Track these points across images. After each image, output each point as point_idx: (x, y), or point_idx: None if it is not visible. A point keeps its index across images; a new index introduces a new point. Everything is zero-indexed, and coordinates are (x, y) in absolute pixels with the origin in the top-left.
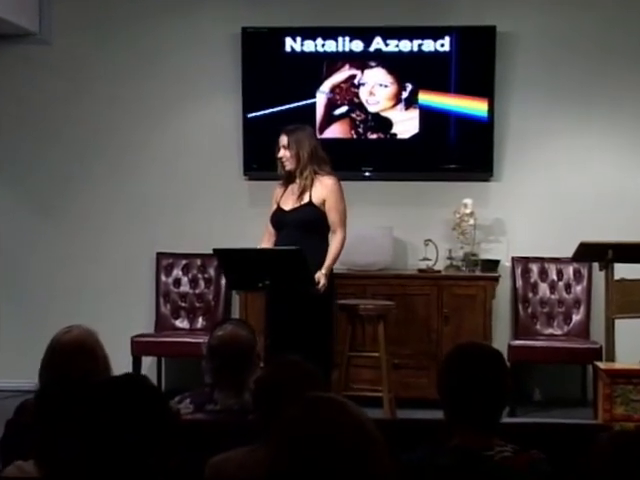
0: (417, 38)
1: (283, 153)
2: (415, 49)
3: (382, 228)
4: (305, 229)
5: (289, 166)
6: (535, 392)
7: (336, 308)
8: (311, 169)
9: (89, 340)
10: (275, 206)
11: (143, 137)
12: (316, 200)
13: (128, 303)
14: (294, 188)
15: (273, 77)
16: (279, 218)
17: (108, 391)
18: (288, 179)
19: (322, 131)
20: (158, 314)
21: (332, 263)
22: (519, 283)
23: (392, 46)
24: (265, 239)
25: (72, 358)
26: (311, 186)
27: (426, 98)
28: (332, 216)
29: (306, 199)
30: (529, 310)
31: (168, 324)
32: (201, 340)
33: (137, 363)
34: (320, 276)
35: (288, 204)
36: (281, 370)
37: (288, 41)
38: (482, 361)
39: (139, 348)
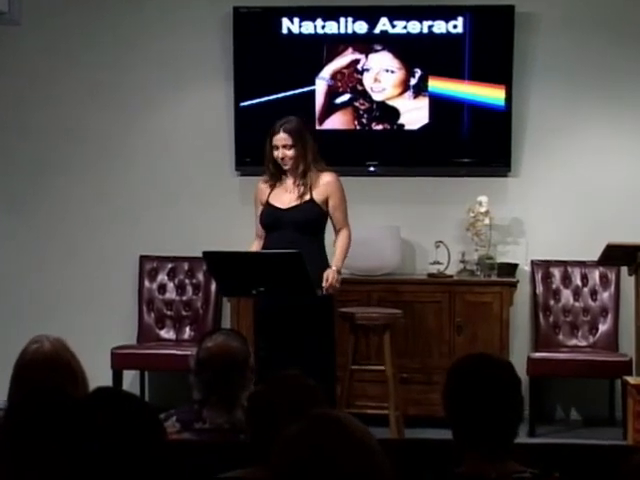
0: (427, 19)
1: (284, 153)
2: (425, 31)
3: (388, 229)
4: (304, 229)
5: (290, 166)
6: (557, 410)
7: (337, 316)
8: (312, 167)
9: (63, 353)
10: (261, 205)
11: (124, 128)
12: (318, 198)
13: (107, 311)
14: (288, 185)
15: (268, 62)
16: (274, 217)
17: (88, 409)
18: (274, 176)
19: (322, 122)
20: (141, 323)
21: (343, 259)
22: (539, 289)
23: (399, 28)
24: (256, 245)
25: (44, 374)
26: (313, 184)
27: (437, 85)
28: (337, 214)
29: (307, 196)
30: (550, 319)
31: (152, 334)
32: (188, 352)
33: (118, 378)
34: (330, 273)
35: (283, 201)
36: (278, 385)
37: (285, 22)
38: (489, 373)
39: (120, 361)
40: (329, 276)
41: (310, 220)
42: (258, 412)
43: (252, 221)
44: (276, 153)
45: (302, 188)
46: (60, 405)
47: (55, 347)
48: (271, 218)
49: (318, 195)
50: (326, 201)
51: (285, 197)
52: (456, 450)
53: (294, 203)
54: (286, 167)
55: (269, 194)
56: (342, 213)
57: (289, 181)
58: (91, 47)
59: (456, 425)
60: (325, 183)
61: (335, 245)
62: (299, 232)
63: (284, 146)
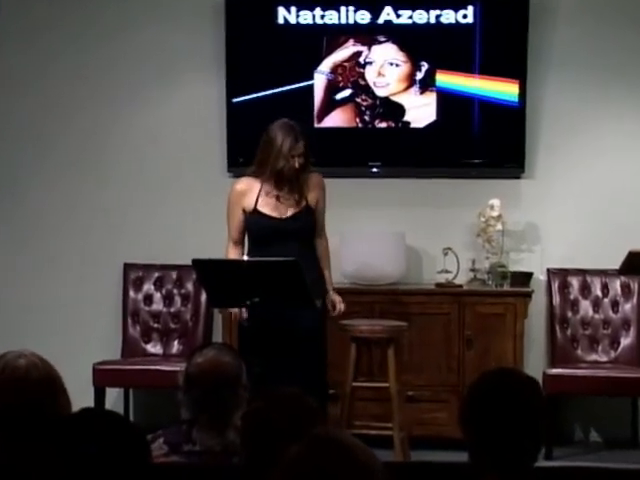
0: (435, 8)
1: (300, 162)
2: (432, 21)
3: (392, 235)
4: (305, 239)
5: (299, 172)
6: (576, 431)
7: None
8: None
9: (43, 369)
10: (243, 211)
11: (107, 126)
12: (312, 203)
13: (88, 324)
14: (278, 190)
15: (263, 55)
16: (270, 228)
17: (72, 432)
18: (270, 175)
19: (321, 119)
20: (125, 337)
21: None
22: (556, 300)
23: (405, 17)
24: (234, 252)
25: (20, 393)
26: (306, 188)
27: (445, 79)
28: (321, 218)
29: (302, 203)
30: (568, 332)
31: (137, 349)
32: (177, 368)
33: (100, 396)
34: (336, 299)
35: (279, 210)
36: (275, 403)
37: (281, 11)
38: (514, 392)
39: (102, 378)
40: (336, 303)
41: (310, 228)
42: (253, 433)
43: None
44: (293, 162)
45: (298, 194)
46: (40, 427)
47: (33, 364)
48: (267, 229)
49: (312, 199)
50: (316, 204)
51: (280, 205)
52: (473, 473)
53: (292, 212)
54: (295, 173)
55: (256, 201)
56: (323, 217)
57: (285, 187)
58: (72, 40)
59: (475, 446)
60: (314, 185)
61: (319, 255)
62: (300, 242)
63: (299, 155)
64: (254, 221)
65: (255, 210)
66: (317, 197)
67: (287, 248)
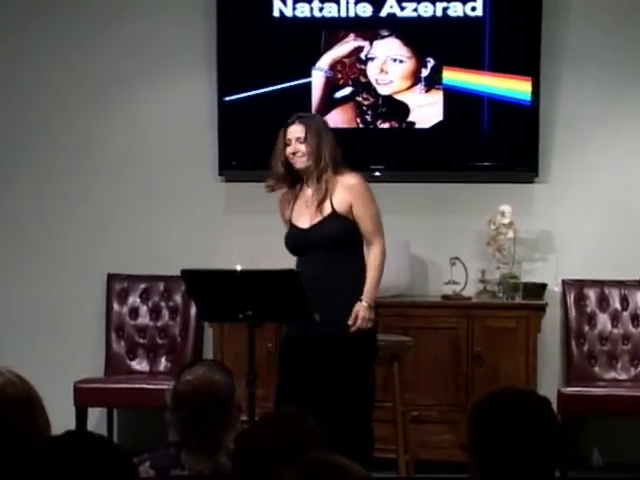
0: (441, 0)
1: (296, 147)
2: (439, 14)
3: (396, 243)
4: (334, 249)
5: (302, 164)
6: (593, 454)
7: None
8: (331, 170)
9: (21, 388)
10: (285, 223)
11: (89, 126)
12: (340, 208)
13: (70, 339)
14: (307, 197)
15: (257, 50)
16: (297, 240)
17: (55, 456)
18: (283, 181)
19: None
20: (109, 353)
21: (376, 287)
22: (572, 313)
23: (409, 10)
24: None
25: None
26: (331, 191)
27: (452, 77)
28: (364, 224)
29: (327, 209)
30: (585, 348)
31: (122, 366)
32: (164, 386)
33: (82, 416)
34: (361, 309)
35: (304, 220)
36: (270, 424)
37: (276, 3)
38: (525, 413)
39: (84, 397)
40: (358, 313)
41: (337, 237)
42: (247, 456)
43: (239, 233)
44: (288, 149)
45: (320, 199)
46: (17, 452)
47: (10, 383)
48: (294, 241)
49: (340, 204)
50: (351, 209)
51: (305, 214)
52: None
53: (315, 220)
54: (297, 166)
55: (292, 211)
56: (369, 223)
57: (308, 192)
58: (54, 33)
59: (483, 472)
60: (346, 188)
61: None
62: (329, 253)
63: (297, 139)
64: (287, 233)
65: (290, 221)
66: (348, 201)
67: (313, 260)
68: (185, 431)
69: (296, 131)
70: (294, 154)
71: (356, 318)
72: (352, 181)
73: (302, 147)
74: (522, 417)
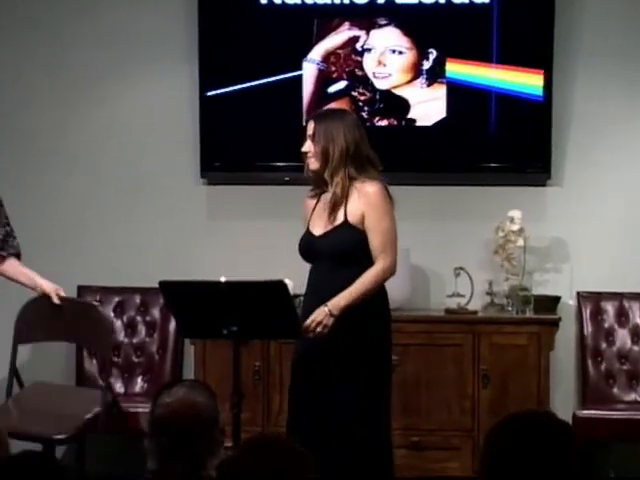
0: None
1: (309, 147)
2: (442, 1)
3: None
4: (343, 260)
5: (312, 166)
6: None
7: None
8: (344, 174)
9: None
10: (306, 228)
11: (59, 124)
12: (353, 218)
13: (38, 356)
14: (325, 201)
15: (242, 41)
16: (308, 246)
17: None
18: (317, 184)
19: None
20: (80, 372)
21: (351, 300)
22: (588, 329)
23: None
24: None
25: None
26: (347, 198)
27: (457, 70)
28: (372, 238)
29: (340, 218)
30: (602, 367)
31: (94, 386)
32: (140, 409)
33: (49, 441)
34: (320, 312)
35: (319, 226)
36: (256, 450)
37: None
38: (545, 439)
39: None
40: (316, 319)
41: (346, 249)
42: None
43: (222, 241)
44: (303, 147)
45: (332, 206)
46: None
47: None
48: (305, 248)
49: (353, 213)
50: (363, 219)
51: (320, 220)
52: None
53: (327, 227)
54: (310, 168)
55: (311, 215)
56: (379, 237)
57: (328, 196)
58: (22, 24)
59: None
60: (362, 196)
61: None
62: (337, 264)
63: (309, 137)
64: (301, 237)
65: (307, 224)
66: (361, 210)
67: (321, 269)
68: (164, 459)
69: (309, 129)
70: (306, 154)
71: (313, 319)
72: (369, 189)
73: (312, 147)
74: (541, 443)
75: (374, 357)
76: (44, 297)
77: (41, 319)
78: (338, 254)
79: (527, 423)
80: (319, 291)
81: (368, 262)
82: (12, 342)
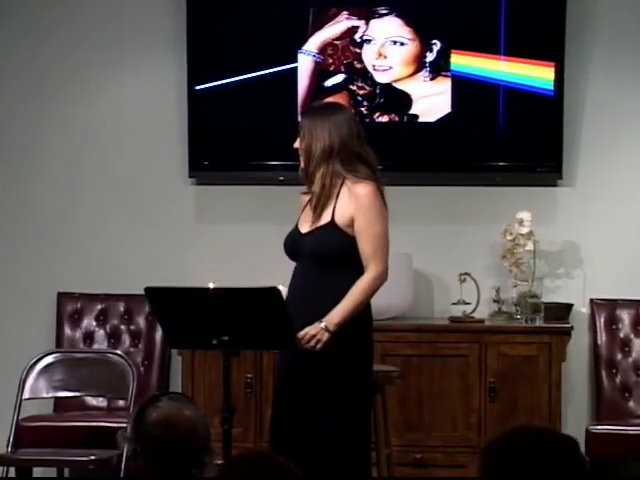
0: None
1: (298, 144)
2: None
3: (397, 257)
4: (325, 263)
5: (301, 163)
6: None
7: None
8: (326, 171)
9: None
10: (295, 224)
11: (36, 120)
12: (341, 219)
13: (13, 370)
14: (313, 198)
15: (233, 32)
16: (291, 243)
17: None
18: (307, 182)
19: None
20: None
21: (347, 313)
22: (602, 338)
23: None
24: None
25: None
26: (335, 198)
27: (462, 62)
28: (362, 243)
29: (326, 217)
30: (617, 379)
31: (74, 400)
32: (124, 425)
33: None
34: (315, 328)
35: (306, 224)
36: (239, 468)
37: None
38: (545, 455)
39: (30, 437)
40: (310, 332)
41: (329, 250)
42: None
43: (211, 245)
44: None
45: (315, 204)
46: None
47: None
48: (289, 245)
49: (341, 214)
50: (352, 222)
51: (308, 217)
52: None
53: (313, 227)
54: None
55: (302, 212)
56: (369, 243)
57: (316, 193)
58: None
59: None
60: (352, 197)
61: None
62: (319, 266)
63: (299, 134)
64: (288, 233)
65: (297, 221)
66: (351, 212)
67: (303, 270)
68: (151, 478)
69: (301, 127)
70: (297, 151)
71: (306, 333)
72: (360, 191)
73: (299, 144)
74: (543, 460)
75: (355, 370)
76: None
77: None
78: (319, 255)
79: (528, 437)
80: (298, 292)
81: (353, 269)
82: None
